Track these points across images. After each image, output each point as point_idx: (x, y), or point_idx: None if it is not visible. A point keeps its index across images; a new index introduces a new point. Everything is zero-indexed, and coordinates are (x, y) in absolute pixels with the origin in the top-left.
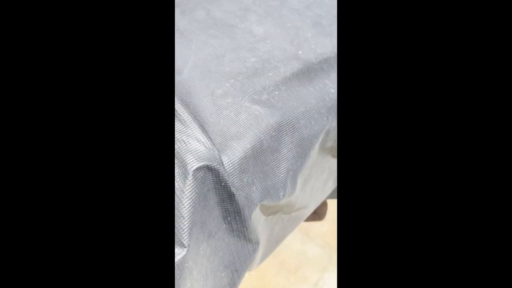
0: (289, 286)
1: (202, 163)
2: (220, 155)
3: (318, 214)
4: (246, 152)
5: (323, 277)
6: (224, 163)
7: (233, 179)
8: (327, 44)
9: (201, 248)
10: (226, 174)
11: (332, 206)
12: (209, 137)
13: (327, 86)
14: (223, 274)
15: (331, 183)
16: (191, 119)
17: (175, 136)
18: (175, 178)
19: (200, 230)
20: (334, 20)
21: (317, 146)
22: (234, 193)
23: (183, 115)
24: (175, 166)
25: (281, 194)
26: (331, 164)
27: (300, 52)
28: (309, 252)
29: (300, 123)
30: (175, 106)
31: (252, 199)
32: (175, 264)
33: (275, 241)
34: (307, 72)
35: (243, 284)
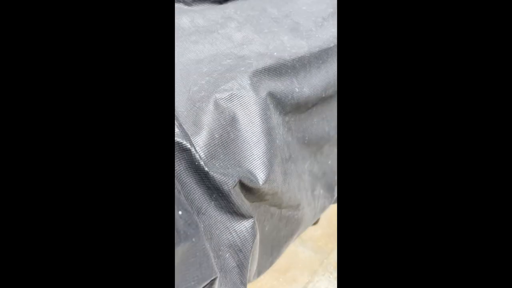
0: (277, 286)
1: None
2: (191, 138)
3: None
4: (214, 140)
5: (313, 280)
6: (194, 145)
7: (205, 160)
8: (303, 44)
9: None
10: (197, 155)
11: (327, 211)
12: (180, 124)
13: (293, 84)
14: (227, 255)
15: (322, 191)
16: None
17: None
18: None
19: (186, 201)
20: (312, 25)
21: (281, 137)
22: (208, 172)
23: None
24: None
25: (260, 178)
26: (311, 166)
27: (275, 53)
28: (300, 254)
29: (266, 114)
30: None
31: (228, 175)
32: None
33: (271, 244)
34: (279, 68)
35: None
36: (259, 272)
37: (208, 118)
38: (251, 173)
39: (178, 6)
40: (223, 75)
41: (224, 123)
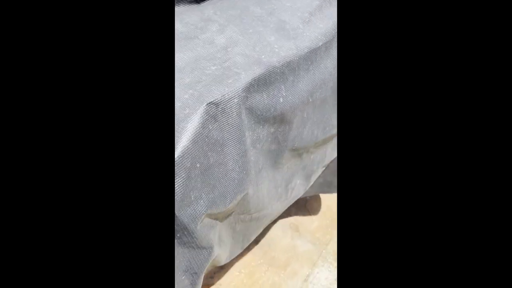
0: (279, 283)
1: None
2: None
3: (308, 210)
4: (196, 170)
5: (313, 272)
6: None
7: (181, 197)
8: (291, 46)
9: None
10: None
11: (322, 203)
12: None
13: (280, 93)
14: (183, 277)
15: (299, 181)
16: None
17: None
18: None
19: None
20: (299, 22)
21: (261, 152)
22: (176, 215)
23: None
24: None
25: (228, 201)
26: (292, 163)
27: (263, 57)
28: (299, 247)
29: (245, 135)
30: None
31: (196, 214)
32: None
33: (243, 237)
34: (268, 76)
35: (234, 282)
36: (230, 257)
37: (192, 142)
38: (222, 196)
39: None
40: (209, 89)
41: (207, 148)
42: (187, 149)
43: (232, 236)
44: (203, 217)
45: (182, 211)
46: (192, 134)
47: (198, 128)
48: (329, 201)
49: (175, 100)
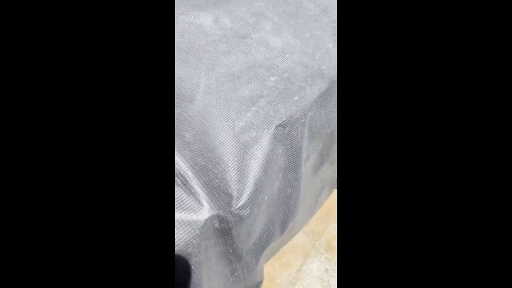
0: (274, 273)
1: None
2: (234, 221)
3: None
4: (264, 205)
5: (306, 262)
6: (238, 227)
7: (243, 241)
8: None
9: None
10: (238, 239)
11: None
12: (229, 196)
13: (336, 106)
14: None
15: (326, 190)
16: (199, 181)
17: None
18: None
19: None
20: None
21: (309, 171)
22: (243, 256)
23: (199, 163)
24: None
25: (285, 229)
26: (324, 175)
27: (324, 68)
28: (293, 239)
29: (303, 158)
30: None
31: (259, 251)
32: None
33: (272, 253)
34: (330, 91)
35: None
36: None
37: (264, 173)
38: (280, 226)
39: None
40: (275, 107)
41: (274, 177)
42: (259, 182)
43: (266, 254)
44: (263, 252)
45: (248, 251)
46: (263, 163)
47: (268, 156)
48: None
49: (237, 117)
